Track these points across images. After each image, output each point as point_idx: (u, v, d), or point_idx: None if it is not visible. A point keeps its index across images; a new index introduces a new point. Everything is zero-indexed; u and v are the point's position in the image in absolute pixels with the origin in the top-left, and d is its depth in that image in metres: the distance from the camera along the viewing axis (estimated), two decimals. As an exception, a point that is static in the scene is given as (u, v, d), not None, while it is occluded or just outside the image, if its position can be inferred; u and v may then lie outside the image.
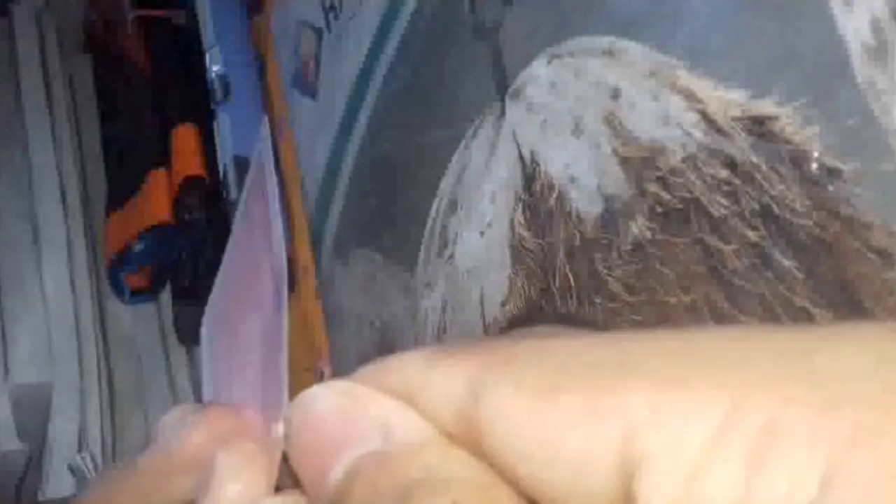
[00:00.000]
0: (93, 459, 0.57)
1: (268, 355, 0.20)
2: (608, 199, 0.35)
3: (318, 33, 0.53)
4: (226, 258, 0.23)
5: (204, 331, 0.23)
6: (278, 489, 0.20)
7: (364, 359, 0.21)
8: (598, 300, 0.35)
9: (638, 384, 0.15)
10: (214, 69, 0.57)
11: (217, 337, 0.22)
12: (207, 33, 0.58)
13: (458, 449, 0.17)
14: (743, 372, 0.15)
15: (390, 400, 0.18)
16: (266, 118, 0.20)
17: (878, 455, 0.13)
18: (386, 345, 0.49)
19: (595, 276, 0.35)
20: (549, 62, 0.37)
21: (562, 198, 0.37)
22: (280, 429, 0.19)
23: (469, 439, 0.17)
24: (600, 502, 0.16)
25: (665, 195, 0.33)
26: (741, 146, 0.30)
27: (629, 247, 0.34)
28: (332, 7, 0.51)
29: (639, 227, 0.33)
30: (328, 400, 0.18)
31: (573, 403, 0.16)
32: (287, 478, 0.19)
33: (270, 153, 0.20)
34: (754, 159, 0.30)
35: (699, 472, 0.14)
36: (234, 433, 0.21)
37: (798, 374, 0.15)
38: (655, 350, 0.16)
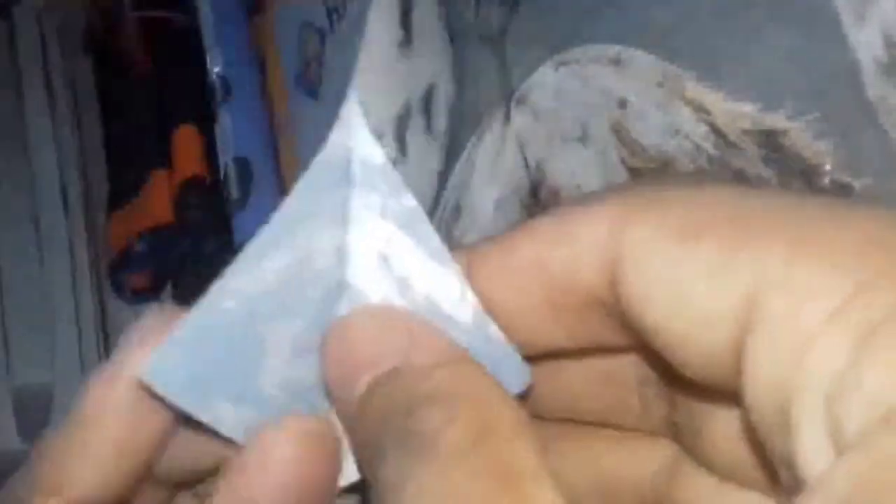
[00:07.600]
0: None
1: None
2: (616, 209, 0.35)
3: (321, 33, 0.53)
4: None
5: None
6: None
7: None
8: (605, 310, 0.35)
9: (774, 244, 0.16)
10: (215, 70, 0.57)
11: None
12: (208, 34, 0.58)
13: (470, 365, 0.18)
14: (879, 253, 0.15)
15: (420, 322, 0.19)
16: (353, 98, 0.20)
17: None
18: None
19: (602, 286, 0.35)
20: (555, 69, 0.37)
21: (568, 206, 0.37)
22: None
23: (609, 295, 0.18)
24: (713, 355, 0.16)
25: (674, 206, 0.32)
26: (751, 159, 0.30)
27: (637, 257, 0.34)
28: (335, 8, 0.51)
29: (647, 237, 0.33)
30: (360, 324, 0.20)
31: (709, 252, 0.16)
32: None
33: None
34: (764, 173, 0.30)
35: (810, 344, 0.15)
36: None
37: None
38: (801, 213, 0.16)
